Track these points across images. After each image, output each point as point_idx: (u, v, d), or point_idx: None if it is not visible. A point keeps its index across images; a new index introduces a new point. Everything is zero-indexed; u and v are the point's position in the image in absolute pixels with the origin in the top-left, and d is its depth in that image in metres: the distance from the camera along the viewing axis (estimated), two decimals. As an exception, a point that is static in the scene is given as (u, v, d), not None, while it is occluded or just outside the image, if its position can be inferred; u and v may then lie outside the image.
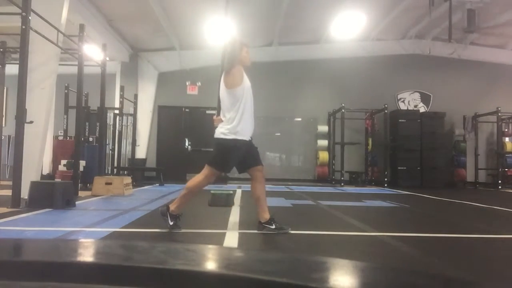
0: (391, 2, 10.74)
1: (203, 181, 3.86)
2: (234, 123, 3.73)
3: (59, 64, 7.16)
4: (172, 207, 3.79)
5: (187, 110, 13.79)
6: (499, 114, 12.39)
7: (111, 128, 11.76)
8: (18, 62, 5.61)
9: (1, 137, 8.91)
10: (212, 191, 6.15)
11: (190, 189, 3.84)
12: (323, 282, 0.58)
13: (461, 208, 7.07)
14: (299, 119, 13.98)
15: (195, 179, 3.87)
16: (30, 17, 5.57)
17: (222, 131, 3.77)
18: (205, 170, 3.84)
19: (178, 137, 13.55)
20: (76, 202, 5.87)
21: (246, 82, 3.83)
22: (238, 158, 3.84)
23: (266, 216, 3.89)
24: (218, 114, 4.13)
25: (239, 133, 3.73)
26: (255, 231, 3.90)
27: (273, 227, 3.87)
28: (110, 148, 11.64)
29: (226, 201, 5.97)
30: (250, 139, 3.86)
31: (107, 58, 9.30)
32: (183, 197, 3.83)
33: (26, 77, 5.53)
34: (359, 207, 6.82)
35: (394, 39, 13.56)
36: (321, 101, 13.58)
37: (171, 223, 3.76)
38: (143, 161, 12.90)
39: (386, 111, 12.64)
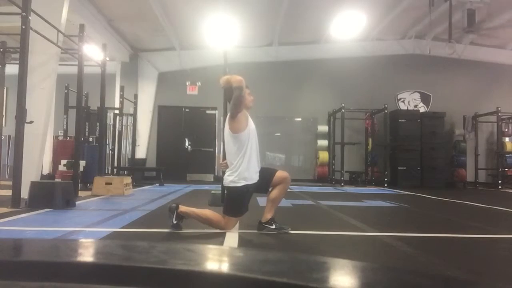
0: (391, 2, 10.74)
1: (221, 226, 3.82)
2: (241, 168, 3.71)
3: (59, 64, 7.16)
4: (182, 208, 3.78)
5: (187, 110, 13.80)
6: (499, 114, 12.39)
7: (111, 128, 11.76)
8: (18, 62, 5.60)
9: (1, 137, 8.91)
10: (212, 191, 6.15)
11: (205, 218, 3.82)
12: (323, 282, 0.58)
13: (461, 208, 7.07)
14: (299, 119, 13.98)
15: (217, 217, 3.80)
16: (30, 17, 5.56)
17: (231, 179, 3.74)
18: (226, 219, 3.80)
19: (178, 137, 13.56)
20: (76, 202, 5.87)
21: (251, 125, 3.82)
22: (251, 195, 3.84)
23: (268, 216, 3.89)
24: (224, 158, 4.14)
25: (248, 179, 3.73)
26: (255, 231, 3.90)
27: (273, 227, 3.88)
28: (110, 148, 11.65)
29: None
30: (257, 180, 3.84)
31: (107, 58, 9.30)
32: (196, 215, 3.82)
33: (26, 77, 5.52)
34: (359, 207, 6.82)
35: (394, 39, 13.57)
36: (321, 101, 13.58)
37: (174, 222, 3.75)
38: (143, 161, 12.91)
39: (386, 111, 12.63)
